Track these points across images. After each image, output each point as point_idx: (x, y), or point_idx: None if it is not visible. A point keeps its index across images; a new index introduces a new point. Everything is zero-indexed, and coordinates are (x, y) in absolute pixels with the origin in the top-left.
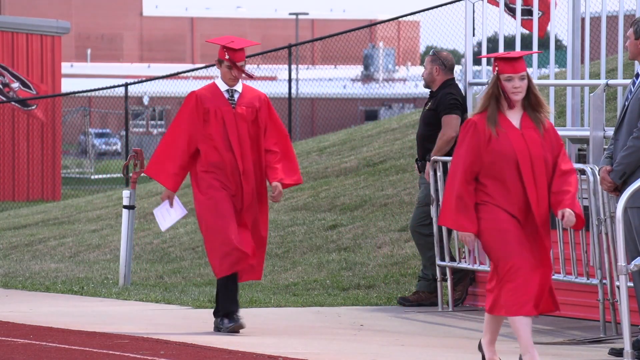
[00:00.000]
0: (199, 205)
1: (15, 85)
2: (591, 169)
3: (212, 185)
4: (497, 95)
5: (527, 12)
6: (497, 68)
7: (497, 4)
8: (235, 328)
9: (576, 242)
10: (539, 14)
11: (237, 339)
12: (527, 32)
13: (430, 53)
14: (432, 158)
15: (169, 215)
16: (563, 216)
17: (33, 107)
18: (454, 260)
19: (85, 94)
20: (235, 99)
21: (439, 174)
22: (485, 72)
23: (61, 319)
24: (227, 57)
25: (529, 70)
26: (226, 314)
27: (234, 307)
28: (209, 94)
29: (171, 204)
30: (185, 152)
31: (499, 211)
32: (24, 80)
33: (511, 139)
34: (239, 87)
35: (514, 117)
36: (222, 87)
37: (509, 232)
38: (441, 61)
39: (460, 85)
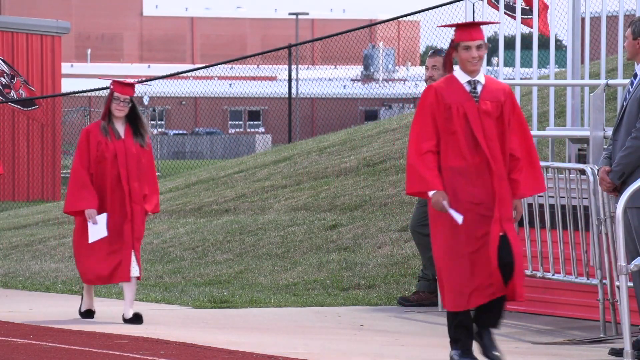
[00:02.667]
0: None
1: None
2: (591, 169)
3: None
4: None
5: (527, 11)
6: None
7: (497, 8)
8: None
9: (576, 242)
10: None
11: (237, 339)
12: (527, 31)
13: (441, 54)
14: None
15: None
16: None
17: (35, 107)
18: None
19: (85, 94)
20: (478, 92)
21: None
22: (485, 72)
23: (61, 319)
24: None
25: (528, 70)
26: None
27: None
28: (448, 87)
29: None
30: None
31: None
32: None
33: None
34: (481, 78)
35: None
36: (462, 78)
37: None
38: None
39: None
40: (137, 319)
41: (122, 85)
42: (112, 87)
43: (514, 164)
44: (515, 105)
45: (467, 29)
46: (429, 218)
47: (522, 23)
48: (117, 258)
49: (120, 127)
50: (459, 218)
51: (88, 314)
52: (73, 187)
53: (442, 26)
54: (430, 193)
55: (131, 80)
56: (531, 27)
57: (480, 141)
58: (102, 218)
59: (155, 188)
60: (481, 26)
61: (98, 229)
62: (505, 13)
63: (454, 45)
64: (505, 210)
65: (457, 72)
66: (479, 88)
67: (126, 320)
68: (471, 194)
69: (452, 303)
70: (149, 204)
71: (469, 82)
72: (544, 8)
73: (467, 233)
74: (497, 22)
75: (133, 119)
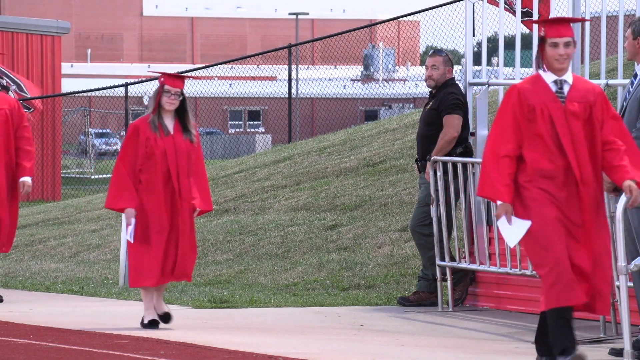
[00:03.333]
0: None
1: (12, 88)
2: None
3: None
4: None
5: (527, 14)
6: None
7: (497, 4)
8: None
9: None
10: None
11: (237, 339)
12: (527, 32)
13: (441, 54)
14: (432, 158)
15: None
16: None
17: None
18: (454, 260)
19: (85, 94)
20: (565, 93)
21: (439, 174)
22: (486, 72)
23: (61, 319)
24: (546, 34)
25: (528, 70)
26: (562, 351)
27: (569, 342)
28: (532, 87)
29: None
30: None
31: None
32: (20, 84)
33: None
34: (568, 78)
35: None
36: (548, 78)
37: None
38: (452, 62)
39: (460, 85)
40: (167, 317)
41: (173, 78)
42: (162, 79)
43: (614, 153)
44: (608, 106)
45: (555, 25)
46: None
47: (522, 24)
48: (171, 257)
49: (170, 122)
50: (511, 238)
51: (153, 324)
52: (114, 184)
53: (534, 22)
54: (498, 203)
55: (182, 74)
56: (531, 30)
57: (565, 145)
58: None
59: (205, 185)
60: (571, 23)
61: (130, 231)
62: (505, 9)
63: (541, 41)
64: (591, 217)
65: (543, 71)
66: (566, 88)
67: (143, 325)
68: (559, 199)
69: (555, 298)
70: (199, 201)
71: (555, 81)
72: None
73: (557, 236)
74: (586, 20)
75: (182, 114)
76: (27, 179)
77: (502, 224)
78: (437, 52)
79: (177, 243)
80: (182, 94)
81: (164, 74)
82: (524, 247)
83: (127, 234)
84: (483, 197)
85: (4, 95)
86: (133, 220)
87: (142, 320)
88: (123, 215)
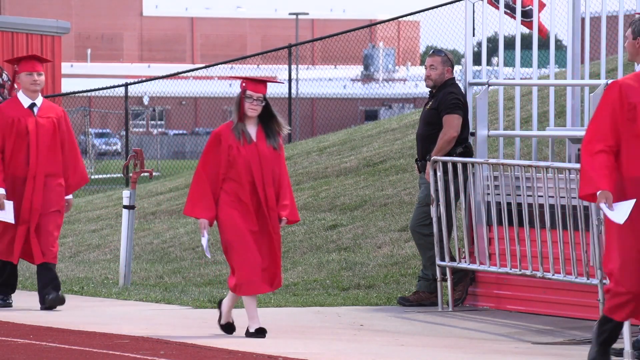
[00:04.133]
0: None
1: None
2: None
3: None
4: None
5: (527, 14)
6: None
7: (497, 7)
8: None
9: (576, 242)
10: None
11: (237, 339)
12: (527, 31)
13: (438, 53)
14: (432, 158)
15: None
16: None
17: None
18: (454, 260)
19: (85, 94)
20: None
21: (439, 174)
22: (486, 72)
23: (61, 319)
24: None
25: (528, 70)
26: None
27: None
28: (636, 83)
29: None
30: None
31: None
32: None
33: None
34: None
35: None
36: None
37: None
38: (451, 62)
39: (460, 85)
40: (261, 332)
41: (255, 83)
42: (243, 84)
43: None
44: None
45: None
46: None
47: (522, 24)
48: (265, 266)
49: (252, 129)
50: (618, 217)
51: (229, 328)
52: (193, 192)
53: None
54: (597, 193)
55: (264, 78)
56: (530, 29)
57: None
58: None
59: (289, 192)
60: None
61: (205, 244)
62: (505, 12)
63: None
64: None
65: None
66: None
67: (249, 334)
68: None
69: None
70: (285, 210)
71: None
72: (540, 7)
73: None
74: None
75: (266, 120)
76: (70, 198)
77: (605, 210)
78: (436, 52)
79: (268, 252)
80: (265, 99)
81: (246, 79)
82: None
83: (204, 247)
84: (584, 199)
85: (51, 104)
86: (206, 233)
87: (248, 329)
88: (198, 221)
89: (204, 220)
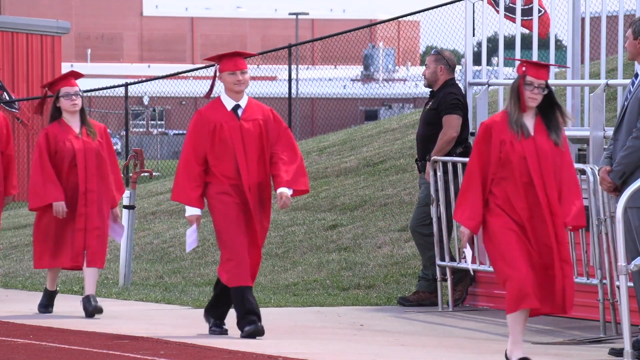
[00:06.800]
0: None
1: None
2: (591, 169)
3: None
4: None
5: (527, 13)
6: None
7: (497, 11)
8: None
9: (576, 242)
10: (539, 11)
11: (237, 339)
12: (527, 32)
13: (434, 52)
14: (432, 158)
15: None
16: None
17: (15, 110)
18: (454, 260)
19: (85, 94)
20: None
21: (439, 174)
22: (486, 72)
23: (61, 319)
24: None
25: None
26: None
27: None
28: None
29: None
30: None
31: None
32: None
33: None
34: None
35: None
36: None
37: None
38: (446, 61)
39: (460, 85)
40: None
41: (537, 68)
42: (523, 68)
43: None
44: None
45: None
46: None
47: (522, 25)
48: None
49: (529, 121)
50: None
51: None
52: (464, 193)
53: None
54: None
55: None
56: (530, 30)
57: None
58: None
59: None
60: None
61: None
62: (505, 16)
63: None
64: None
65: None
66: None
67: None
68: None
69: None
70: (571, 218)
71: None
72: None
73: None
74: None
75: (547, 110)
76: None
77: None
78: (433, 51)
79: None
80: (548, 86)
81: (526, 62)
82: None
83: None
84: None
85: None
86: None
87: (506, 353)
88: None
89: (466, 232)
